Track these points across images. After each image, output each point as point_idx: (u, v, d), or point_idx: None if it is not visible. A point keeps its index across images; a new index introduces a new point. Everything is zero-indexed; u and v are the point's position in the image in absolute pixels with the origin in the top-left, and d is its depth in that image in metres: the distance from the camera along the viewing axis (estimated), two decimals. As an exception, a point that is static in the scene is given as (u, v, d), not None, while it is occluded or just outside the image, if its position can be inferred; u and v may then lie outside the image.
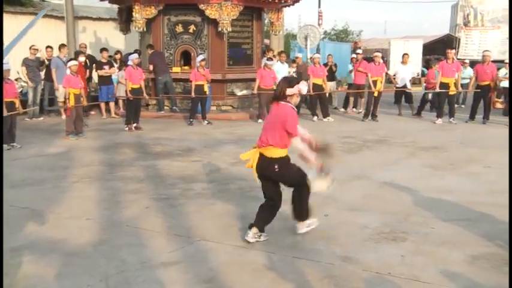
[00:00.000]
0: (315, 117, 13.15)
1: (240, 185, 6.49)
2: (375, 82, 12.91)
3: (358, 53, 14.83)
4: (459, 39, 26.70)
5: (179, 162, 7.89)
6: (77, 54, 12.81)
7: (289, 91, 4.43)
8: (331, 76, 15.17)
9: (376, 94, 12.90)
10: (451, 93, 12.42)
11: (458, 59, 24.37)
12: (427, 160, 8.04)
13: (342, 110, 15.53)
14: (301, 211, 4.67)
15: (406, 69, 14.12)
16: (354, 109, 15.14)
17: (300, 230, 4.70)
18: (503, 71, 12.95)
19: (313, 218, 4.78)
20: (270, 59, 13.13)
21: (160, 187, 6.43)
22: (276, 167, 4.41)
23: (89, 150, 8.95)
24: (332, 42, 34.33)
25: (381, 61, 13.43)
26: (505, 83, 12.56)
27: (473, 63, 16.39)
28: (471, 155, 8.42)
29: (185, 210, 5.51)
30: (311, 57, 15.08)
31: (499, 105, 12.57)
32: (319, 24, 24.57)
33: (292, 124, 4.39)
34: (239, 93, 14.02)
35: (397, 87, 14.23)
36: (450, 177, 6.97)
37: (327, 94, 14.29)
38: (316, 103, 13.38)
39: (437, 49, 31.36)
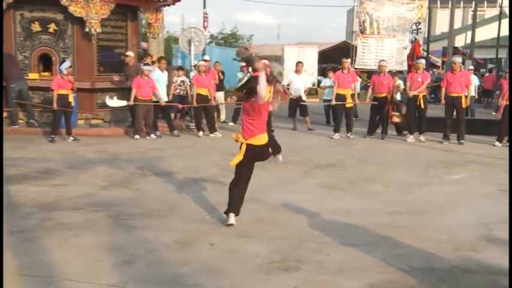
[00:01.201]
0: (201, 133, 13.23)
1: (113, 212, 6.31)
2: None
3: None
4: (356, 47, 28.33)
5: (37, 187, 7.51)
6: None
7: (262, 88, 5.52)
8: (218, 85, 15.39)
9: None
10: (348, 105, 13.14)
11: (355, 68, 26.04)
12: (323, 179, 8.39)
13: (232, 124, 15.78)
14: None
15: (300, 79, 14.71)
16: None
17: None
18: (398, 82, 14.00)
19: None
20: (147, 64, 13.01)
21: (12, 218, 6.05)
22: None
23: None
24: (219, 47, 34.85)
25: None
26: (398, 95, 13.61)
27: (370, 74, 17.51)
28: (370, 173, 8.94)
29: (43, 244, 5.23)
30: (195, 65, 15.20)
31: (396, 119, 13.53)
32: (204, 27, 24.83)
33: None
34: (112, 104, 13.69)
35: (291, 99, 14.75)
36: (348, 197, 7.33)
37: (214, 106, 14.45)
38: (202, 116, 13.46)
39: (334, 57, 33.06)
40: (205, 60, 14.43)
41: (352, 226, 5.97)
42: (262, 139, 5.86)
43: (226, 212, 5.96)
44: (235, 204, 5.96)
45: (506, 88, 12.51)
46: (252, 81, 5.74)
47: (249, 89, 5.73)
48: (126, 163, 9.40)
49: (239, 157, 5.86)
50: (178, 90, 14.60)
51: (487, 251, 5.19)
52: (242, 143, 5.88)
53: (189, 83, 14.83)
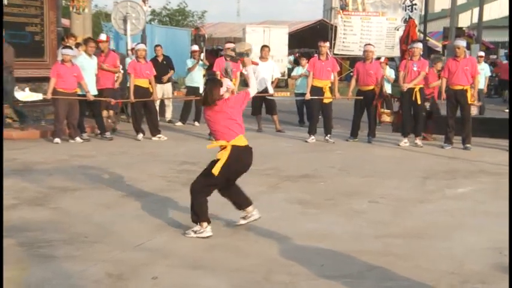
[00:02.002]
0: (140, 135, 13.17)
1: (25, 238, 6.20)
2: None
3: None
4: (335, 27, 28.61)
5: None
6: None
7: (222, 91, 6.35)
8: (162, 75, 15.33)
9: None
10: (325, 101, 13.24)
11: (335, 54, 26.33)
12: (295, 194, 8.42)
13: (179, 123, 15.75)
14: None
15: (266, 68, 14.75)
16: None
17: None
18: (388, 71, 14.17)
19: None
20: (68, 47, 12.87)
21: None
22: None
23: None
24: (164, 27, 34.73)
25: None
26: (388, 87, 13.74)
27: (354, 61, 17.74)
28: (353, 186, 9.01)
29: None
30: (132, 49, 15.11)
31: (386, 118, 13.70)
32: (144, 1, 24.62)
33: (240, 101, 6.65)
34: (23, 98, 13.45)
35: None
36: (326, 216, 7.36)
37: (157, 101, 14.38)
38: (141, 114, 13.38)
39: (309, 40, 33.34)
40: (99, 41, 14.15)
41: (332, 253, 5.99)
42: (244, 140, 6.61)
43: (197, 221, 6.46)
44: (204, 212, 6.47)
45: None
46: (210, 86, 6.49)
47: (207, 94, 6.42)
48: (43, 175, 9.26)
49: (221, 162, 6.33)
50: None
51: (501, 284, 5.26)
52: (224, 146, 6.43)
53: (121, 71, 14.76)
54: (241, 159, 6.54)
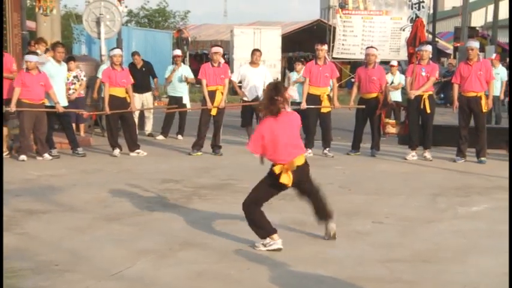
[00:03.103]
0: (116, 151, 13.17)
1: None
2: (212, 94, 13.28)
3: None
4: (334, 28, 28.73)
5: None
6: None
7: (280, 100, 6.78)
8: (143, 83, 15.36)
9: (214, 113, 13.27)
10: (323, 110, 13.28)
11: (333, 58, 26.42)
12: (291, 214, 8.44)
13: (160, 137, 15.76)
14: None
15: (257, 74, 14.77)
16: None
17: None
18: (391, 78, 14.22)
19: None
20: (33, 53, 12.88)
21: None
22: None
23: None
24: (142, 29, 34.77)
25: (222, 61, 13.91)
26: (397, 95, 13.75)
27: (355, 65, 17.80)
28: (356, 205, 9.04)
29: None
30: (110, 55, 15.07)
31: (391, 129, 13.73)
32: (119, 1, 24.66)
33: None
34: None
35: (244, 102, 14.81)
36: (325, 240, 7.37)
37: (136, 113, 14.40)
38: (118, 128, 13.39)
39: (304, 42, 33.43)
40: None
41: (333, 280, 6.02)
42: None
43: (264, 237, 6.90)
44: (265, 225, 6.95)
45: None
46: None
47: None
48: (8, 196, 9.21)
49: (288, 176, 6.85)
50: (71, 91, 14.52)
51: (519, 312, 5.30)
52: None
53: (84, 78, 14.80)
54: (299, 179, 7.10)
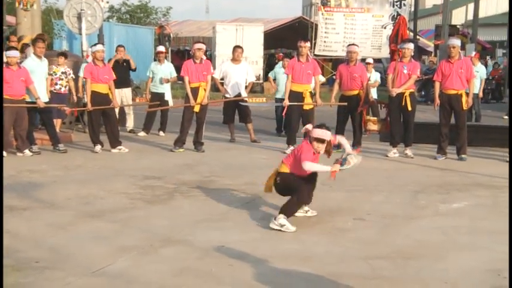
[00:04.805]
0: (98, 147, 13.11)
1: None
2: (195, 90, 13.23)
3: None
4: (316, 25, 28.76)
5: None
6: None
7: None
8: (122, 79, 15.29)
9: (197, 109, 13.23)
10: (306, 107, 13.28)
11: (315, 55, 26.47)
12: (273, 211, 8.38)
13: (142, 133, 15.71)
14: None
15: (239, 71, 14.77)
16: None
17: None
18: (368, 75, 14.22)
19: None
20: (12, 48, 12.79)
21: None
22: None
23: None
24: (123, 25, 34.63)
25: (204, 57, 13.86)
26: (373, 93, 13.76)
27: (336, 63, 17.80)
28: (337, 202, 9.05)
29: None
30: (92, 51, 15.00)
31: (372, 126, 13.76)
32: (101, -4, 24.60)
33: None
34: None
35: (227, 98, 14.80)
36: (307, 236, 7.39)
37: (117, 109, 14.33)
38: (100, 124, 13.33)
39: (286, 39, 33.46)
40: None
41: (315, 277, 6.02)
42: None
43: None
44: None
45: None
46: None
47: None
48: None
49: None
50: (57, 86, 14.44)
51: (499, 309, 5.33)
52: None
53: (73, 76, 14.73)
54: None
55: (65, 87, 14.84)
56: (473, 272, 6.20)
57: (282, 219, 7.54)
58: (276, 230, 7.44)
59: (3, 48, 12.66)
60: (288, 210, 7.71)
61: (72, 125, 16.36)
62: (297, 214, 7.99)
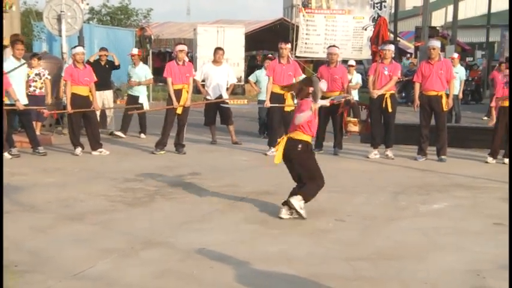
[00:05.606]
0: (78, 149, 13.05)
1: None
2: (178, 92, 13.20)
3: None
4: (297, 26, 28.82)
5: None
6: None
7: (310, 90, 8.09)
8: (104, 81, 15.24)
9: (180, 111, 13.20)
10: (287, 109, 13.29)
11: (296, 57, 26.51)
12: (254, 213, 8.45)
13: (120, 133, 15.64)
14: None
15: (220, 72, 14.77)
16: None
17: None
18: (349, 77, 14.28)
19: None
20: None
21: None
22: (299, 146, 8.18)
23: None
24: (104, 26, 34.51)
25: (186, 59, 13.84)
26: (354, 94, 13.79)
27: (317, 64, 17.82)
28: (318, 204, 9.02)
29: None
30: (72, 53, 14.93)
31: (353, 128, 13.79)
32: (81, -3, 24.47)
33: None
34: None
35: (208, 100, 14.78)
36: (288, 237, 7.40)
37: (98, 111, 14.28)
38: (80, 126, 13.28)
39: (267, 41, 33.52)
40: None
41: (296, 278, 6.03)
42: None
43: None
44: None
45: (500, 84, 13.02)
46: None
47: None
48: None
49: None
50: (32, 88, 14.34)
51: (479, 309, 5.35)
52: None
53: (47, 77, 14.65)
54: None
55: (40, 88, 14.75)
56: (453, 272, 6.24)
57: (302, 201, 8.08)
58: (288, 217, 8.06)
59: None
60: (308, 196, 8.17)
61: (52, 127, 16.28)
62: (283, 216, 8.09)
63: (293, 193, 8.18)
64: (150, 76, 16.20)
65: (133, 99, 15.92)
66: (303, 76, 14.75)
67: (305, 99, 8.19)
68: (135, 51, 16.82)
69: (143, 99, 16.17)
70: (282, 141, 8.31)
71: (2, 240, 3.76)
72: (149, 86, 25.65)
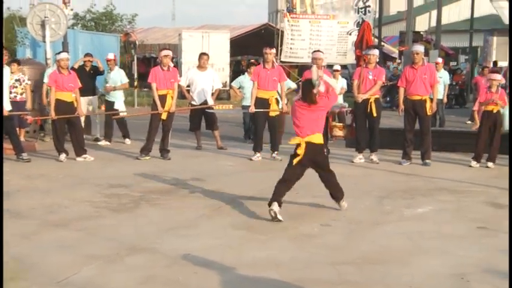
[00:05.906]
0: (62, 155, 12.99)
1: None
2: (162, 98, 13.19)
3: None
4: (282, 31, 28.85)
5: None
6: None
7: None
8: (88, 87, 15.20)
9: (164, 117, 13.18)
10: (271, 114, 13.30)
11: (281, 62, 26.54)
12: (239, 218, 8.45)
13: (104, 141, 15.57)
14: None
15: (205, 77, 14.76)
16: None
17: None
18: (340, 82, 14.32)
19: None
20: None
21: None
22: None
23: None
24: (88, 32, 34.40)
25: (171, 64, 13.81)
26: (339, 99, 13.81)
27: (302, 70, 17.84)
28: (303, 208, 9.09)
29: None
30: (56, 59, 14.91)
31: (338, 132, 13.83)
32: (65, 3, 24.39)
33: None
34: None
35: (193, 105, 14.77)
36: (274, 243, 7.42)
37: (82, 118, 14.24)
38: (64, 132, 13.24)
39: (253, 46, 33.55)
40: None
41: (282, 283, 6.04)
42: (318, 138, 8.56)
43: (270, 203, 8.37)
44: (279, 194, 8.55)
45: (483, 88, 13.09)
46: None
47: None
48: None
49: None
50: (12, 94, 14.26)
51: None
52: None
53: (28, 82, 14.59)
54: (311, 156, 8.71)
55: (21, 94, 14.66)
56: (437, 276, 6.27)
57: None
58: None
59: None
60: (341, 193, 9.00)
61: (36, 133, 16.21)
62: (280, 217, 8.25)
63: (334, 197, 9.00)
64: (126, 80, 16.09)
65: (109, 105, 15.83)
66: (288, 81, 14.82)
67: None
68: (111, 56, 16.62)
69: (119, 105, 16.03)
70: (302, 144, 8.53)
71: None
72: (134, 91, 25.69)
